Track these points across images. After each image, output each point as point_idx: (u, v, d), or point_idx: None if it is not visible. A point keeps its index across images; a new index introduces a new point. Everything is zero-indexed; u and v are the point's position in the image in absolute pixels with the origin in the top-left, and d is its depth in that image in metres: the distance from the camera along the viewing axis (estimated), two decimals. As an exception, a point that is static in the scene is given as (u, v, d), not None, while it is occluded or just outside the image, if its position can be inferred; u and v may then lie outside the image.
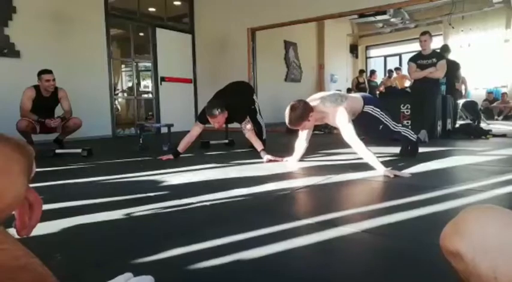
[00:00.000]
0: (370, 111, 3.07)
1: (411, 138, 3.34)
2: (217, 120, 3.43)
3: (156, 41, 7.31)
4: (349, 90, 10.97)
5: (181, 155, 3.60)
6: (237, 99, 3.80)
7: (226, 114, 3.46)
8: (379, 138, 3.86)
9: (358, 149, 2.70)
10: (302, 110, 2.79)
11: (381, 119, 3.11)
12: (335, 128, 6.89)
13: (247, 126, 3.56)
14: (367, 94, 3.55)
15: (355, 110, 2.99)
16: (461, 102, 7.48)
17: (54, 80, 4.25)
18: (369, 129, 3.25)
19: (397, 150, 3.57)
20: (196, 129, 3.68)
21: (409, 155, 3.41)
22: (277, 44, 9.96)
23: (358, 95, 3.20)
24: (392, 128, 3.18)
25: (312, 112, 2.84)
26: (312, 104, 2.90)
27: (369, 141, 3.24)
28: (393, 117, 3.33)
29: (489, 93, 10.27)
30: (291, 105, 2.83)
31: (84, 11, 6.07)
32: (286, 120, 2.85)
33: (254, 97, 4.27)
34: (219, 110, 3.40)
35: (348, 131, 2.73)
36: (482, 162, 3.16)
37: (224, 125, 3.86)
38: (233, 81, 4.27)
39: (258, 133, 3.93)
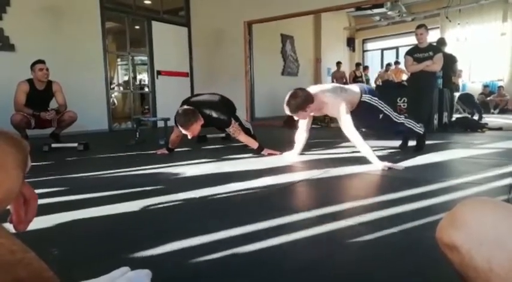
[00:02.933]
0: (368, 100, 3.00)
1: (417, 130, 3.25)
2: (192, 130, 3.08)
3: (152, 34, 7.26)
4: (345, 84, 10.97)
5: (179, 149, 3.59)
6: (218, 102, 3.49)
7: (201, 121, 3.14)
8: (381, 130, 3.75)
9: (356, 141, 2.70)
10: (303, 99, 2.77)
11: (380, 107, 3.04)
12: (332, 122, 6.88)
13: (235, 131, 3.32)
14: (364, 85, 3.48)
15: (353, 100, 2.94)
16: (456, 95, 7.48)
17: (47, 69, 4.23)
18: (369, 120, 3.14)
19: (397, 143, 3.58)
20: (175, 133, 3.43)
21: (416, 149, 3.33)
22: (274, 38, 9.91)
23: (355, 85, 3.16)
24: (394, 118, 3.10)
25: (311, 103, 2.81)
26: (312, 92, 2.87)
27: (370, 134, 3.21)
28: (394, 110, 3.27)
29: (485, 86, 10.30)
30: (292, 91, 2.81)
31: (79, 4, 6.01)
32: (285, 105, 2.81)
33: (237, 115, 3.85)
34: (193, 118, 3.05)
35: (346, 122, 2.73)
36: (478, 155, 3.18)
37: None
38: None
39: (248, 133, 3.69)
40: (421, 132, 3.28)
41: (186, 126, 3.08)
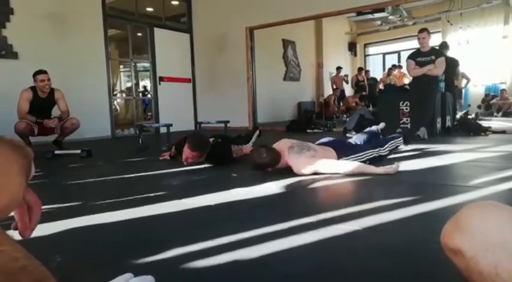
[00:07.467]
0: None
1: (400, 145, 3.38)
2: (189, 155, 3.03)
3: (154, 41, 7.30)
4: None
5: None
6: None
7: (203, 158, 3.09)
8: None
9: (349, 171, 2.53)
10: (270, 156, 2.55)
11: (362, 159, 2.80)
12: (334, 127, 6.87)
13: (237, 153, 3.40)
14: (335, 142, 3.15)
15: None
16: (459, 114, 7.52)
17: (49, 79, 4.26)
18: None
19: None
20: (173, 151, 3.43)
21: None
22: (276, 43, 9.94)
23: (329, 147, 2.88)
24: (379, 154, 2.94)
25: (280, 157, 2.59)
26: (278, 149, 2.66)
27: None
28: (385, 126, 3.50)
29: (486, 95, 10.27)
30: (254, 155, 2.59)
31: (82, 12, 6.06)
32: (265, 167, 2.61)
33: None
34: (201, 152, 3.01)
35: (328, 165, 2.55)
36: (482, 158, 3.16)
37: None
38: None
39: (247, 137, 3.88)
40: (401, 144, 3.39)
41: (190, 150, 3.01)
